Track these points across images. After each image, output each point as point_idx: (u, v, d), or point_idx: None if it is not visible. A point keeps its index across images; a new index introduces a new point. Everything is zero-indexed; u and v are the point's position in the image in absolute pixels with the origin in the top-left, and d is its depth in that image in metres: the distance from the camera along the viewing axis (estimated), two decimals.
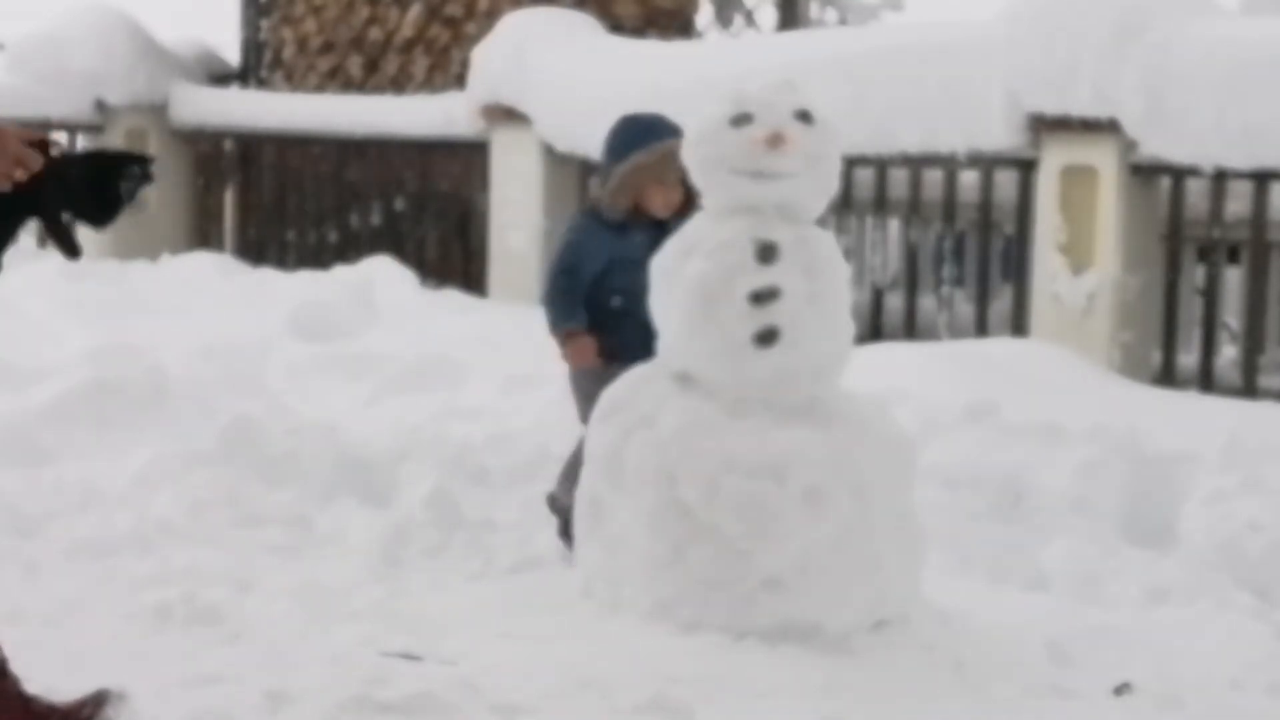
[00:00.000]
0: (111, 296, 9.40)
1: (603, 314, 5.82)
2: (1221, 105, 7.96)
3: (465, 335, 8.54)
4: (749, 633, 4.84)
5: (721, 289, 4.98)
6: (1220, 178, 8.29)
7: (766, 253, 5.00)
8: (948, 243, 9.67)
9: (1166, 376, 8.52)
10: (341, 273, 10.22)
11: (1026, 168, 8.86)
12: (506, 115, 11.00)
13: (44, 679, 4.34)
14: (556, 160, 10.82)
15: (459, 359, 7.85)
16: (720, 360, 4.99)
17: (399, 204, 12.21)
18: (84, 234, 13.12)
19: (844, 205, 9.40)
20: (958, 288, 9.88)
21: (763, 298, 4.95)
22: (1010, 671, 4.78)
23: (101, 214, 4.18)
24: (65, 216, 4.07)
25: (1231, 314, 9.45)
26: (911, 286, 9.52)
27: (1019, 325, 8.91)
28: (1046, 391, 7.43)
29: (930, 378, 6.10)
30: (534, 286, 10.85)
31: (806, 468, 4.83)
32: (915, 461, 5.30)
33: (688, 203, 5.70)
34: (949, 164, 9.17)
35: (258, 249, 12.91)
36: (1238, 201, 8.41)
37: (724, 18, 14.68)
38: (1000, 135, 8.76)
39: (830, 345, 5.07)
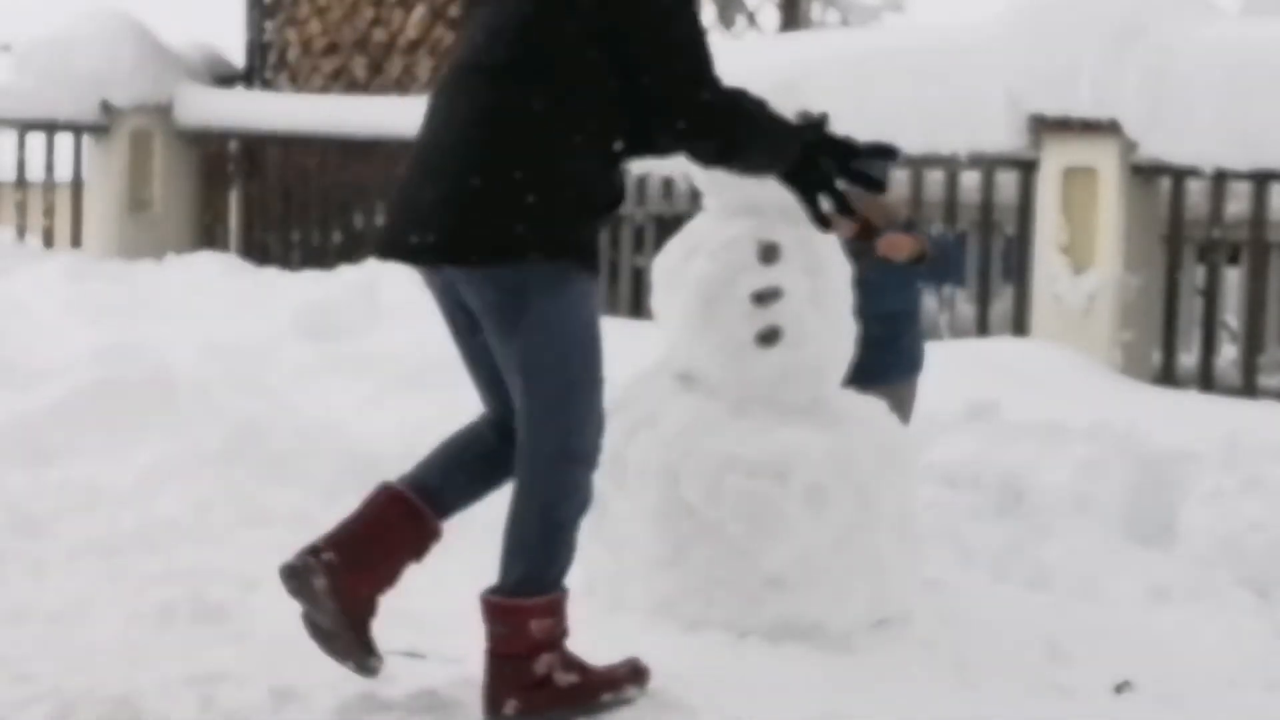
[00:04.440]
0: (117, 296, 9.43)
1: None
2: (1221, 106, 7.98)
3: None
4: (751, 631, 4.86)
5: (724, 289, 5.01)
6: (1220, 178, 8.32)
7: (769, 253, 5.03)
8: (953, 238, 9.69)
9: (1167, 376, 8.54)
10: (346, 273, 10.23)
11: (1027, 168, 8.88)
12: None
13: (50, 677, 4.37)
14: None
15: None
16: (723, 360, 5.02)
17: None
18: (89, 233, 13.08)
19: None
20: (959, 287, 9.90)
21: (765, 298, 4.98)
22: (1011, 669, 4.80)
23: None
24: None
25: (1231, 314, 9.48)
26: None
27: (1020, 325, 8.93)
28: (1047, 391, 7.45)
29: (931, 377, 6.10)
30: None
31: (808, 467, 4.86)
32: (916, 460, 5.33)
33: (865, 230, 5.72)
34: (950, 165, 9.19)
35: (263, 249, 12.93)
36: (1238, 201, 8.44)
37: (726, 19, 14.69)
38: (1001, 136, 8.79)
39: (832, 345, 5.10)
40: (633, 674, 4.35)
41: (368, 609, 4.28)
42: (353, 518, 4.32)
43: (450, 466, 4.38)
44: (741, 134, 4.15)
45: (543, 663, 4.23)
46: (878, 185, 4.31)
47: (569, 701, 4.25)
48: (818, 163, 4.21)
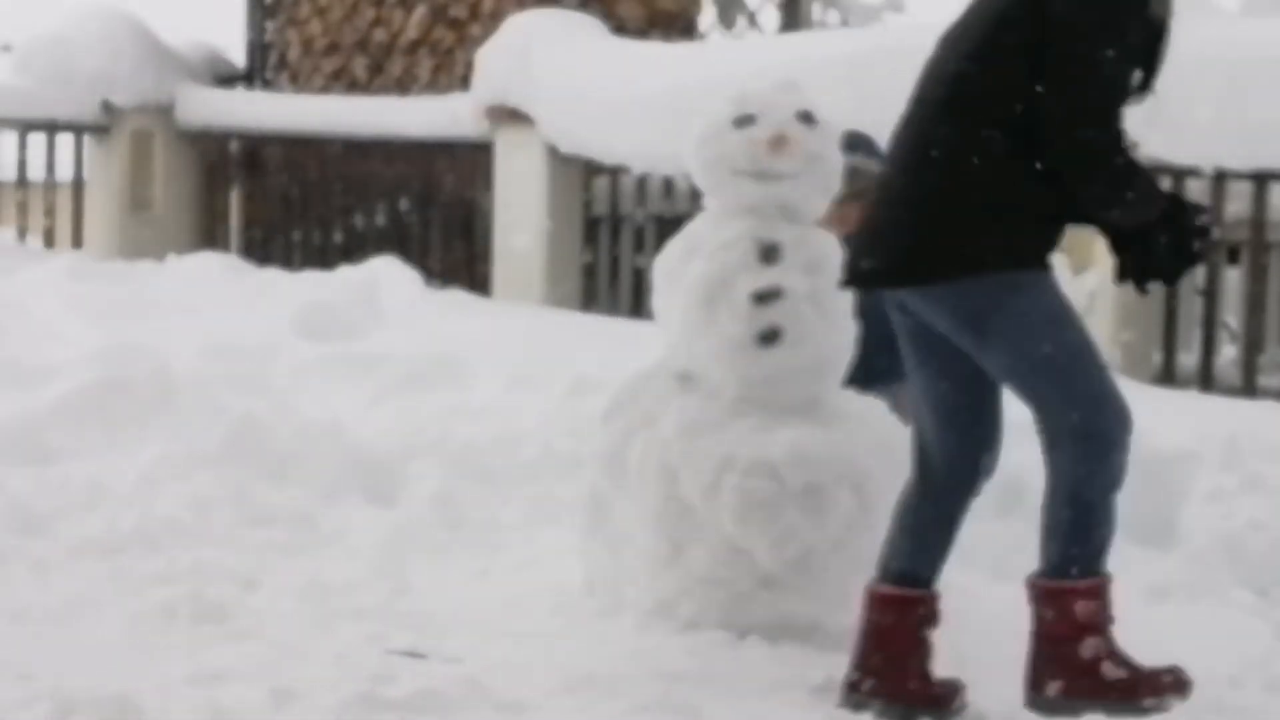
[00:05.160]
0: (118, 296, 9.42)
1: None
2: (1221, 105, 7.97)
3: (470, 335, 8.56)
4: (750, 631, 4.88)
5: (723, 289, 5.02)
6: (1220, 178, 8.31)
7: (769, 253, 5.04)
8: None
9: (1166, 376, 8.54)
10: (347, 273, 10.22)
11: None
12: (510, 116, 11.02)
13: (50, 677, 4.37)
14: (560, 161, 10.84)
15: (464, 359, 7.86)
16: (722, 360, 5.03)
17: (404, 204, 12.23)
18: (90, 233, 13.04)
19: None
20: None
21: (765, 298, 4.98)
22: (1011, 668, 4.79)
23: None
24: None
25: (1231, 314, 9.47)
26: None
27: None
28: None
29: None
30: (538, 287, 10.88)
31: (807, 467, 4.86)
32: None
33: None
34: None
35: (263, 249, 12.93)
36: (1238, 201, 8.43)
37: (726, 19, 14.68)
38: None
39: (832, 345, 5.10)
40: (1177, 684, 4.39)
41: (925, 684, 4.46)
42: (863, 635, 4.49)
43: (906, 541, 4.53)
44: (1109, 186, 4.30)
45: (1089, 647, 4.35)
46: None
47: (1112, 695, 4.33)
48: (1175, 230, 4.37)
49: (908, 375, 4.49)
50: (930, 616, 4.50)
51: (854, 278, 4.47)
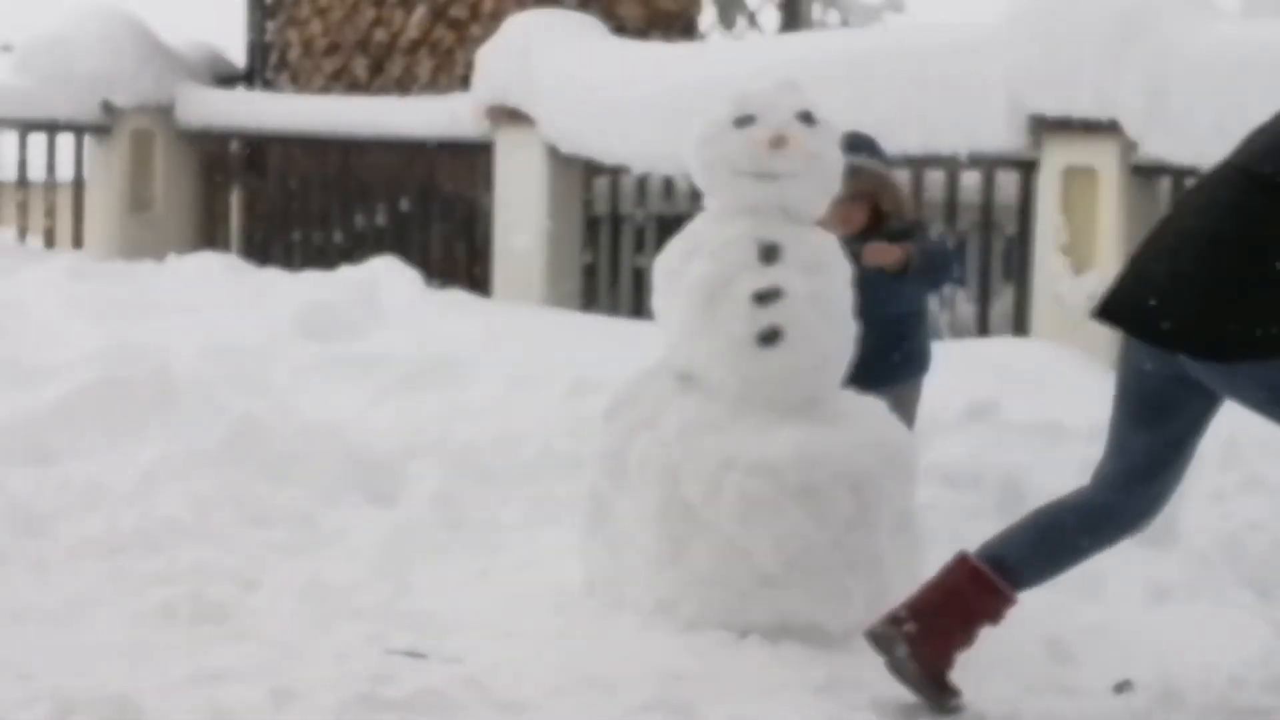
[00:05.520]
0: (118, 296, 9.42)
1: None
2: (1222, 106, 7.97)
3: (470, 335, 8.56)
4: (750, 630, 4.88)
5: (724, 289, 5.02)
6: None
7: (769, 253, 5.04)
8: (949, 243, 9.69)
9: None
10: (347, 273, 10.23)
11: (1028, 169, 8.88)
12: (511, 116, 11.03)
13: (50, 677, 4.38)
14: (560, 161, 10.84)
15: (464, 359, 7.87)
16: (723, 360, 5.03)
17: (404, 204, 12.23)
18: (90, 233, 13.02)
19: None
20: (959, 287, 9.90)
21: (765, 297, 4.99)
22: (1011, 668, 4.80)
23: None
24: None
25: None
26: None
27: (1020, 325, 8.93)
28: (1047, 391, 7.44)
29: (931, 377, 6.11)
30: (538, 287, 10.88)
31: (807, 466, 4.86)
32: (916, 460, 5.34)
33: (876, 222, 5.74)
34: (950, 165, 9.19)
35: (264, 249, 12.93)
36: None
37: (726, 19, 14.69)
38: (1001, 136, 8.78)
39: (832, 345, 5.10)
40: None
41: (946, 666, 4.48)
42: (933, 586, 4.52)
43: (1027, 544, 4.53)
44: None
45: None
46: None
47: None
48: None
49: (1116, 423, 4.44)
50: (996, 614, 4.51)
51: (1147, 332, 4.36)
